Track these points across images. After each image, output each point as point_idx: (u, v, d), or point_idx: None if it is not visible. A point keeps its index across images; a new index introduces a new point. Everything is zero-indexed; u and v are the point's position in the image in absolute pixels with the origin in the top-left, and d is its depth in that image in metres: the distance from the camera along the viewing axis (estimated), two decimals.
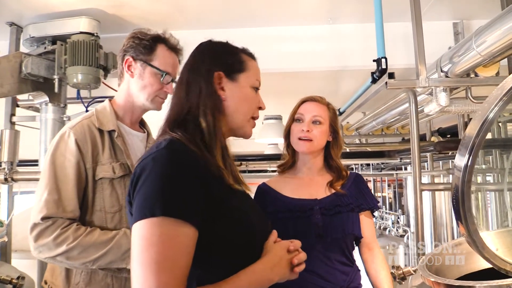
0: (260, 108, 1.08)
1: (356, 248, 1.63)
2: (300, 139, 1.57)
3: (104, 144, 1.36)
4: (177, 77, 1.11)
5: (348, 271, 1.51)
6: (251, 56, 1.08)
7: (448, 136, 4.05)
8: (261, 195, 1.62)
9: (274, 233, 1.02)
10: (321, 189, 1.57)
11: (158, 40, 1.42)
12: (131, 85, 1.43)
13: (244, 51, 1.07)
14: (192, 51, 1.06)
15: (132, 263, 0.79)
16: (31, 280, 1.85)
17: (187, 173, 0.85)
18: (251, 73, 1.05)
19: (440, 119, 4.03)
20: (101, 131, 1.37)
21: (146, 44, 1.40)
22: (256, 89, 1.07)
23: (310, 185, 1.60)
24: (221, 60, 1.02)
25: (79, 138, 1.32)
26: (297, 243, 1.00)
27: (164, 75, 1.40)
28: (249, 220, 0.98)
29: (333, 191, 1.56)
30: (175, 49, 1.45)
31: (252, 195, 1.26)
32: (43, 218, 1.26)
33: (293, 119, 1.62)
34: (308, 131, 1.56)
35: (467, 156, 0.82)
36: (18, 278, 1.65)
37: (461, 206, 0.83)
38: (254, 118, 1.07)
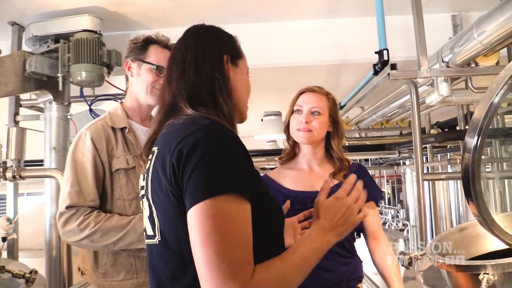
0: None
1: (362, 238, 1.64)
2: (299, 130, 1.57)
3: (118, 140, 1.51)
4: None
5: (349, 262, 1.52)
6: (239, 44, 1.10)
7: (446, 129, 4.08)
8: None
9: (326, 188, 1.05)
10: (322, 181, 1.55)
11: (149, 41, 1.56)
12: (133, 85, 1.57)
13: (236, 38, 1.08)
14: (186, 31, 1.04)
15: (197, 245, 0.77)
16: (41, 276, 1.87)
17: (241, 150, 0.85)
18: (245, 60, 1.08)
19: (438, 113, 4.07)
20: (114, 129, 1.52)
21: (140, 46, 1.55)
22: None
23: (311, 176, 1.60)
24: (227, 44, 1.03)
25: (94, 136, 1.47)
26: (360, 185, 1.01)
27: (157, 67, 1.51)
28: (273, 199, 1.02)
29: (336, 182, 1.52)
30: (166, 46, 1.57)
31: None
32: (68, 207, 1.41)
33: (292, 110, 1.62)
34: (307, 122, 1.56)
35: (476, 137, 0.85)
36: (30, 272, 1.68)
37: (471, 185, 0.86)
38: None
